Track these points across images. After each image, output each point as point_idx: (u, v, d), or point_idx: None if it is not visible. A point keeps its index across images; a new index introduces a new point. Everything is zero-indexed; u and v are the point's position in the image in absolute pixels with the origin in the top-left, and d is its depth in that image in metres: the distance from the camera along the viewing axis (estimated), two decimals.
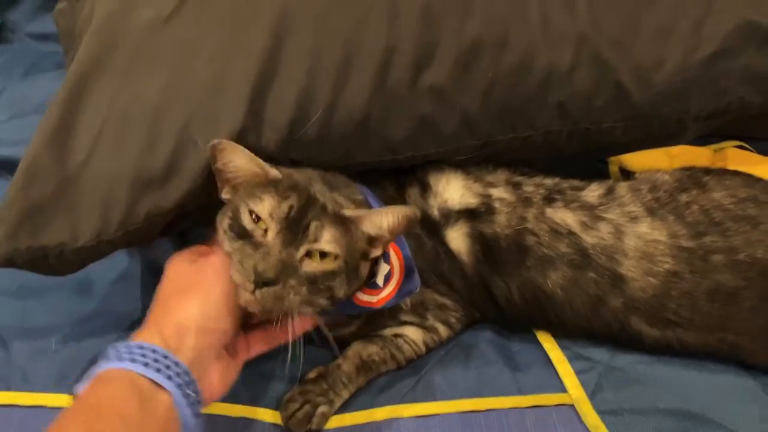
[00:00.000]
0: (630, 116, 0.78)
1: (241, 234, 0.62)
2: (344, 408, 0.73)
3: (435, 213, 0.78)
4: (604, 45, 0.76)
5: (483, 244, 0.76)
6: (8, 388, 0.73)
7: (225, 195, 0.67)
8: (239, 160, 0.65)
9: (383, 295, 0.70)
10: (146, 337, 0.56)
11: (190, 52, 0.72)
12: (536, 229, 0.75)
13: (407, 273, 0.70)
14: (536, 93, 0.75)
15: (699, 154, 0.97)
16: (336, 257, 0.62)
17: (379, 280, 0.70)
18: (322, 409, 0.71)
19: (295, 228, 0.61)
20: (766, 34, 0.78)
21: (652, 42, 0.77)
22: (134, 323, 0.80)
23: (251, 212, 0.62)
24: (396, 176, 0.80)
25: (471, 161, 0.80)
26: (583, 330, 0.78)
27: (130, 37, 0.73)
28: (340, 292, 0.63)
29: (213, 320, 0.59)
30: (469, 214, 0.77)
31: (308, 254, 0.61)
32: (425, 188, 0.79)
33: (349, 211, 0.64)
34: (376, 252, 0.66)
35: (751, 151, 0.99)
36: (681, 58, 0.76)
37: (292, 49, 0.71)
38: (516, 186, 0.79)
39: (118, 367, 0.53)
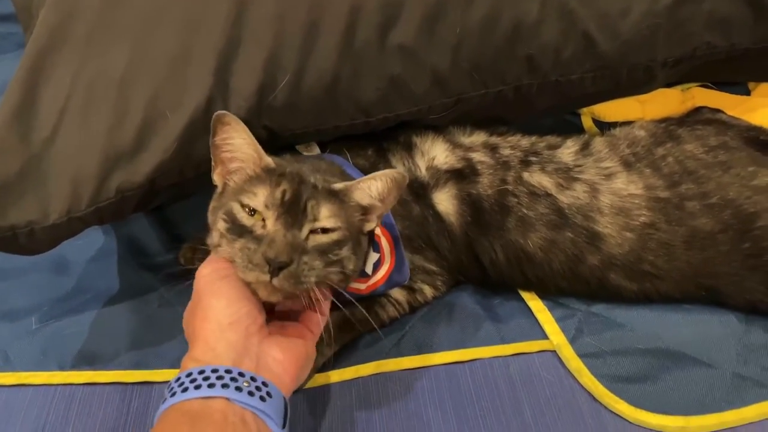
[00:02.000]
0: (598, 66, 0.78)
1: (241, 232, 0.60)
2: (330, 365, 0.74)
3: (423, 173, 0.78)
4: None
5: (470, 204, 0.76)
6: None
7: (216, 177, 0.65)
8: (239, 139, 0.63)
9: (371, 282, 0.71)
10: (182, 367, 0.57)
11: (151, 22, 0.70)
12: (516, 191, 0.76)
13: (397, 263, 0.71)
14: (505, 47, 0.75)
15: (668, 96, 0.99)
16: (338, 229, 0.62)
17: (368, 269, 0.70)
18: None
19: (293, 211, 0.60)
20: None
21: None
22: (113, 298, 0.80)
23: (245, 206, 0.61)
24: (377, 142, 0.80)
25: (445, 120, 0.80)
26: (562, 290, 0.79)
27: (88, 9, 0.71)
28: (350, 263, 0.63)
29: (229, 314, 0.59)
30: (456, 175, 0.77)
31: (312, 232, 0.61)
32: (410, 148, 0.79)
33: (338, 185, 0.63)
34: (370, 224, 0.65)
35: (715, 89, 1.01)
36: (646, 5, 0.77)
37: (256, 15, 0.70)
38: (493, 149, 0.80)
39: (167, 407, 0.54)
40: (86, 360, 0.74)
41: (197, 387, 0.54)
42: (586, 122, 1.00)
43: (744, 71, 0.97)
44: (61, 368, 0.73)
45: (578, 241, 0.75)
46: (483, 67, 0.75)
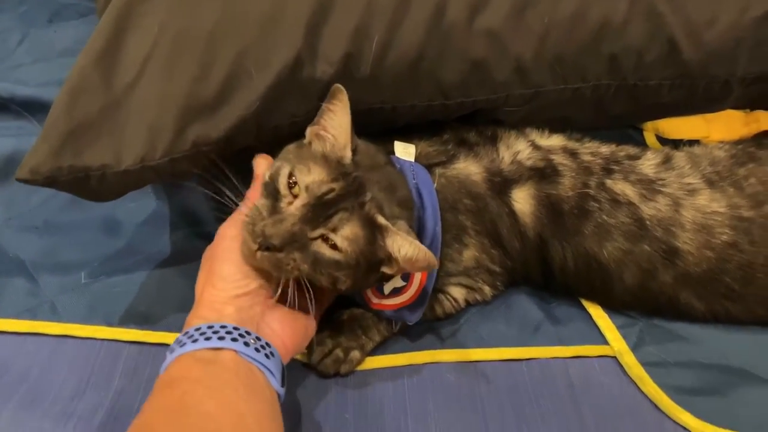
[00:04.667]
0: (678, 74, 0.77)
1: (270, 194, 0.61)
2: (383, 349, 0.72)
3: (507, 167, 0.76)
4: None
5: (548, 206, 0.74)
6: (35, 317, 0.71)
7: (308, 131, 0.65)
8: (338, 119, 0.63)
9: (382, 302, 0.69)
10: (188, 323, 0.59)
11: None
12: (598, 196, 0.74)
13: (416, 302, 0.69)
14: (590, 43, 0.74)
15: (732, 116, 0.97)
16: (346, 253, 0.60)
17: (386, 288, 0.69)
18: (353, 354, 0.70)
19: (322, 209, 0.59)
20: None
21: None
22: (164, 262, 0.79)
23: (292, 176, 0.61)
24: (456, 130, 0.79)
25: (517, 115, 0.79)
26: (626, 304, 0.77)
27: None
28: (343, 285, 0.62)
29: (238, 287, 0.60)
30: (538, 174, 0.75)
31: (323, 238, 0.60)
32: (495, 140, 0.78)
33: (381, 220, 0.61)
34: (388, 270, 0.63)
35: None
36: (733, 16, 0.76)
37: None
38: (573, 154, 0.78)
39: (175, 357, 0.56)
40: (134, 319, 0.72)
41: (207, 339, 0.56)
42: (649, 138, 0.98)
43: None
44: (109, 324, 0.71)
45: (654, 255, 0.73)
46: (566, 61, 0.75)
